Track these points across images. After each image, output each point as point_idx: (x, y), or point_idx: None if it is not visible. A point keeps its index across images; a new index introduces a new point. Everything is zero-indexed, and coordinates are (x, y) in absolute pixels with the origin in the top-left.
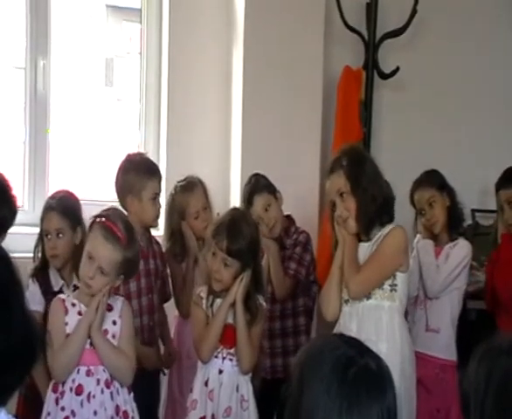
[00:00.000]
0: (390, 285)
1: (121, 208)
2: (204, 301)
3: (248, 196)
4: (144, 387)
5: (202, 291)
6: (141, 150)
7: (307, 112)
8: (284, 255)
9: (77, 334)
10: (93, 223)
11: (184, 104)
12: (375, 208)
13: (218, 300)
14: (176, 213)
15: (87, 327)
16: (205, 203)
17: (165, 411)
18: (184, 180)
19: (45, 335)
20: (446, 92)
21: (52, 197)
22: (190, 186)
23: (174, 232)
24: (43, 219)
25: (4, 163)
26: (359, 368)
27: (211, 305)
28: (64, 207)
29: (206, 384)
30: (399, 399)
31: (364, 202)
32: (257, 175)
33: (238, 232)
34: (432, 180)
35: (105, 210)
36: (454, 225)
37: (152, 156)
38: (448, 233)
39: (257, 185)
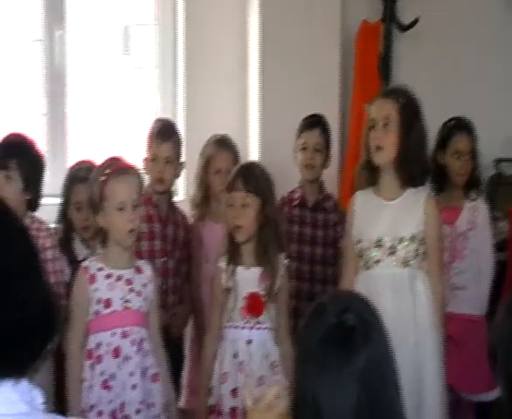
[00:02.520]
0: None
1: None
2: (223, 272)
3: None
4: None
5: (222, 261)
6: (161, 116)
7: (325, 68)
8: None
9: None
10: (102, 184)
11: (201, 68)
12: (415, 157)
13: (240, 268)
14: (203, 162)
15: None
16: (230, 166)
17: (188, 378)
18: (221, 135)
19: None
20: (466, 42)
21: (78, 169)
22: (223, 142)
23: (199, 180)
24: (70, 191)
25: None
26: (330, 328)
27: (232, 273)
28: None
29: (236, 356)
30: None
31: (408, 145)
32: None
33: (251, 170)
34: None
35: (98, 169)
36: (475, 182)
37: None
38: (465, 189)
39: None
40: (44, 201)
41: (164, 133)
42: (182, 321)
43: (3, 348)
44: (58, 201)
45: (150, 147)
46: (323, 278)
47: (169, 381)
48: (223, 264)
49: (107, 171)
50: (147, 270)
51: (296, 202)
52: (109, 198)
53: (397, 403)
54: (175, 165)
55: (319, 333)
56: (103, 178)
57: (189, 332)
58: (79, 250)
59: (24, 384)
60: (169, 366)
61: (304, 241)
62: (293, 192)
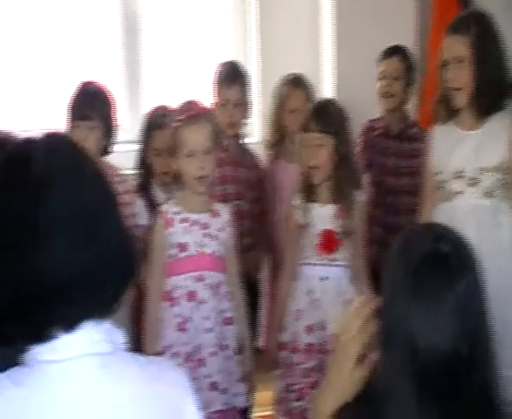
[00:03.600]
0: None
1: None
2: (297, 209)
3: None
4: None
5: (296, 198)
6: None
7: (401, 4)
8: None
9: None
10: (175, 130)
11: (275, 8)
12: (494, 84)
13: (314, 205)
14: (277, 102)
15: None
16: (305, 105)
17: (265, 318)
18: (295, 74)
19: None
20: None
21: (155, 115)
22: (297, 81)
23: (273, 121)
24: (148, 137)
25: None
26: (425, 255)
27: (307, 210)
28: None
29: (310, 293)
30: None
31: (485, 75)
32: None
33: (326, 110)
34: None
35: (173, 113)
36: None
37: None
38: None
39: None
40: (123, 147)
41: (231, 76)
42: (257, 263)
43: (87, 289)
44: (135, 147)
45: (218, 92)
46: (410, 210)
47: (245, 323)
48: (297, 201)
49: (181, 117)
50: (224, 214)
51: (379, 132)
52: (181, 144)
53: (492, 334)
54: (244, 107)
55: (413, 260)
56: (176, 124)
57: (265, 273)
58: (158, 194)
59: (106, 324)
60: (248, 308)
61: (387, 171)
62: (374, 121)
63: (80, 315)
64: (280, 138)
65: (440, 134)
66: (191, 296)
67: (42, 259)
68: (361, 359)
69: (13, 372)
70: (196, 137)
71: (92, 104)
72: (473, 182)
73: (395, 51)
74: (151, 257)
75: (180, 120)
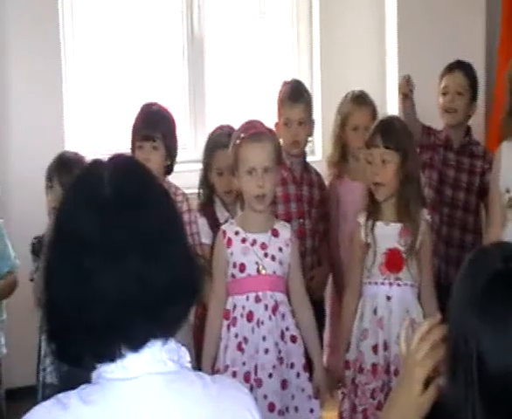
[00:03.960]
0: None
1: None
2: (362, 228)
3: None
4: None
5: (361, 216)
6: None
7: (469, 10)
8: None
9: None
10: (236, 147)
11: (337, 24)
12: None
13: (379, 223)
14: (340, 119)
15: None
16: (369, 123)
17: (329, 337)
18: (358, 91)
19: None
20: None
21: (219, 134)
22: (360, 98)
23: (336, 138)
24: (211, 156)
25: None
26: (495, 274)
27: (372, 229)
28: None
29: (375, 312)
30: None
31: None
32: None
33: (391, 126)
34: None
35: (235, 131)
36: None
37: (306, 82)
38: None
39: None
40: (187, 167)
41: (294, 95)
42: (321, 282)
43: (154, 308)
44: (199, 166)
45: (281, 111)
46: (463, 225)
47: (316, 340)
48: (362, 219)
49: (242, 135)
50: (285, 233)
51: (441, 142)
52: (241, 161)
53: None
54: (308, 126)
55: (483, 279)
56: (237, 141)
57: (329, 292)
58: (221, 213)
59: (172, 343)
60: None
61: (446, 183)
62: (437, 132)
63: (148, 334)
64: (343, 155)
65: (508, 150)
66: (250, 316)
67: (111, 279)
68: (427, 384)
69: (82, 390)
70: (256, 154)
71: (155, 124)
72: None
73: (458, 66)
74: (214, 275)
75: (242, 138)
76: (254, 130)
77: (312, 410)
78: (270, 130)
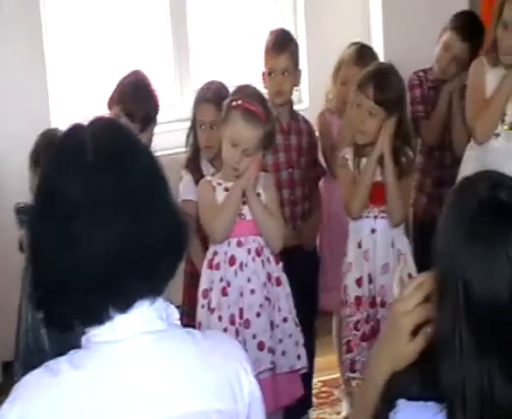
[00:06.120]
0: None
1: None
2: (349, 163)
3: None
4: (299, 262)
5: (347, 152)
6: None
7: None
8: None
9: (231, 197)
10: (229, 107)
11: None
12: None
13: (364, 160)
14: (340, 76)
15: (241, 191)
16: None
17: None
18: (359, 46)
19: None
20: None
21: (207, 88)
22: (362, 57)
23: (335, 75)
24: (196, 110)
25: (152, 63)
26: (484, 201)
27: (358, 166)
28: (219, 99)
29: (360, 245)
30: None
31: None
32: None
33: (386, 80)
34: None
35: (237, 90)
36: None
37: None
38: None
39: None
40: (175, 126)
41: (279, 45)
42: (314, 229)
43: (141, 266)
44: (187, 125)
45: (266, 61)
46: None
47: None
48: (348, 155)
49: (240, 102)
50: (260, 179)
51: (432, 84)
52: (228, 128)
53: None
54: (292, 75)
55: (470, 208)
56: (234, 104)
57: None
58: (206, 168)
59: (160, 302)
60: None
61: None
62: (426, 72)
63: (135, 294)
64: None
65: (492, 76)
66: (232, 261)
67: (99, 240)
68: (416, 332)
69: (72, 355)
70: (243, 134)
71: (135, 102)
72: None
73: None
74: (207, 211)
75: (239, 105)
76: (253, 108)
77: (299, 357)
78: (267, 114)
